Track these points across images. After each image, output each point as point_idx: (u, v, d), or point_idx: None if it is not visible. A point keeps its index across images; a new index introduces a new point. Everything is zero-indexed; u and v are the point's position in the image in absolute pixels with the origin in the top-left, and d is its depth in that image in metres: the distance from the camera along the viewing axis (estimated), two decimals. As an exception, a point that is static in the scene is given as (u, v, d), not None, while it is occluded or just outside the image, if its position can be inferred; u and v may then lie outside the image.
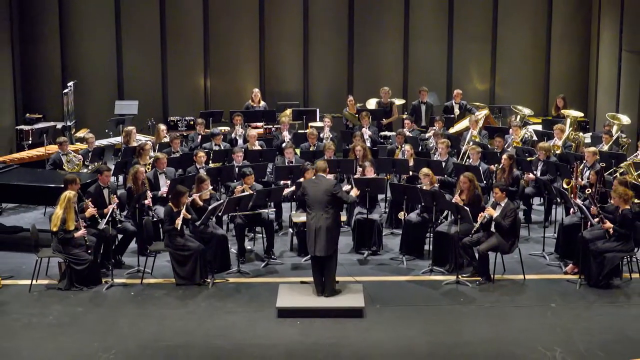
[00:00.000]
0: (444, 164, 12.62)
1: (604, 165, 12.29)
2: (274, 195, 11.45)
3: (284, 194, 11.69)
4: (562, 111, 15.77)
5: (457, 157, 13.52)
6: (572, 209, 11.25)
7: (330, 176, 11.78)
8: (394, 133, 15.19)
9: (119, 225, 10.93)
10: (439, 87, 18.20)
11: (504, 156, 12.31)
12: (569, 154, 13.20)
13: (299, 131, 15.23)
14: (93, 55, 18.35)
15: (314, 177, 9.93)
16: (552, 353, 8.38)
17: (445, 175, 12.38)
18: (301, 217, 11.02)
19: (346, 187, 11.51)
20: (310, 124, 15.88)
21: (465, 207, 10.41)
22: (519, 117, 15.52)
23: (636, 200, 10.59)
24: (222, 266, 10.67)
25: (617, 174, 12.32)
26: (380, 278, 10.57)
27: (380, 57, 18.56)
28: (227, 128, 15.70)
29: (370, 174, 11.74)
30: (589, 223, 10.43)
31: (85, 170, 13.08)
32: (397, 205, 12.05)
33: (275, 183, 12.26)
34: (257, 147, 13.60)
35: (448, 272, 10.62)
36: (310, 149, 13.62)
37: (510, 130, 14.38)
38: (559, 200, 12.06)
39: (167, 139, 13.94)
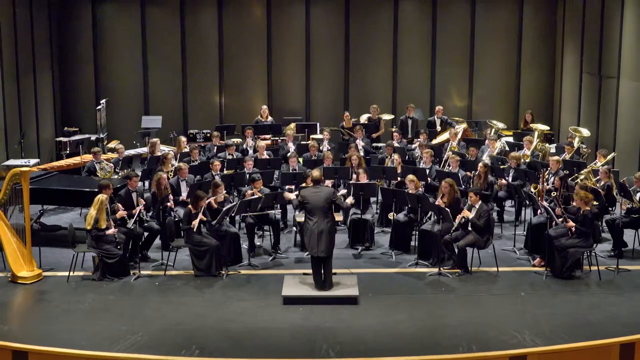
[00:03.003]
0: (427, 171, 12.65)
1: (567, 172, 12.35)
2: (280, 198, 11.49)
3: (290, 199, 11.70)
4: (531, 125, 15.79)
5: (439, 165, 13.54)
6: (539, 210, 11.28)
7: (328, 182, 11.84)
8: (383, 144, 15.22)
9: (145, 224, 10.97)
10: (424, 104, 18.21)
11: (480, 164, 12.34)
12: (537, 162, 13.22)
13: (302, 142, 15.25)
14: (122, 76, 18.38)
15: (314, 186, 9.76)
16: (522, 335, 8.40)
17: (429, 181, 12.40)
18: (304, 217, 11.04)
19: (343, 191, 11.55)
20: (311, 137, 15.91)
21: (446, 209, 10.44)
22: (493, 130, 15.54)
23: (595, 203, 10.62)
24: (235, 260, 10.70)
25: (578, 179, 12.34)
26: (372, 270, 10.60)
27: (372, 78, 18.58)
28: (239, 140, 15.72)
29: (364, 179, 11.77)
30: (554, 222, 10.46)
31: (115, 177, 13.10)
32: (387, 207, 12.08)
33: (281, 187, 12.28)
34: (266, 156, 13.63)
35: (431, 265, 10.65)
36: (312, 158, 13.64)
37: (487, 142, 14.41)
38: (527, 202, 12.10)
39: (187, 149, 13.96)
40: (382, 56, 18.50)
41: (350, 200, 10.57)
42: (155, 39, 18.30)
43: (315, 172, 9.90)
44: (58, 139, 16.77)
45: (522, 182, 12.36)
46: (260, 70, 18.52)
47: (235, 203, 10.82)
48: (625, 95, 14.86)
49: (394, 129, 15.96)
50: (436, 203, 10.67)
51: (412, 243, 11.27)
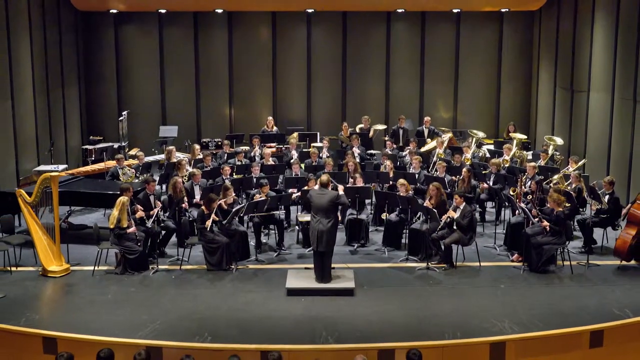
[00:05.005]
0: (417, 175, 12.67)
1: (542, 177, 12.37)
2: (284, 200, 11.50)
3: (292, 198, 11.74)
4: (510, 134, 15.83)
5: (427, 170, 13.56)
6: (517, 211, 11.29)
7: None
8: (377, 151, 15.24)
9: (163, 224, 10.98)
10: (413, 115, 18.25)
11: (464, 170, 12.37)
12: (515, 168, 13.24)
13: (304, 150, 15.28)
14: (142, 90, 18.43)
15: (320, 189, 9.70)
16: (502, 323, 8.41)
17: (418, 184, 12.42)
18: (305, 217, 11.05)
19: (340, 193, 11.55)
20: (312, 145, 15.93)
21: (434, 210, 10.46)
22: (475, 139, 15.56)
23: (567, 204, 10.65)
24: (243, 255, 10.69)
25: (552, 183, 12.36)
26: (367, 265, 10.60)
27: (367, 92, 18.62)
28: (247, 147, 15.74)
29: (360, 183, 11.79)
30: (530, 222, 10.48)
31: (136, 181, 13.12)
32: (380, 208, 12.09)
33: (285, 191, 12.30)
34: (271, 163, 13.64)
35: (420, 260, 10.64)
36: (312, 164, 13.67)
37: (463, 149, 14.46)
38: (506, 204, 12.14)
39: (200, 156, 13.98)
40: (376, 72, 18.55)
41: (340, 188, 10.30)
42: (172, 57, 18.35)
43: (324, 177, 9.83)
44: (84, 147, 16.80)
45: (502, 185, 12.38)
46: (266, 85, 18.57)
47: (243, 204, 10.84)
48: (595, 108, 14.89)
49: (386, 138, 16.00)
50: (425, 204, 10.68)
51: (403, 240, 11.28)
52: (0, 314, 8.62)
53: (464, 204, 10.44)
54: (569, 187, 11.89)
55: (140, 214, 10.49)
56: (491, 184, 12.57)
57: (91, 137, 17.56)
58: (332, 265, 9.78)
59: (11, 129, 13.99)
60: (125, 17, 18.14)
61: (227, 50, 18.39)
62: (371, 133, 16.24)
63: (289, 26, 18.42)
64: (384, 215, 11.45)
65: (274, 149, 15.60)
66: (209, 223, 10.21)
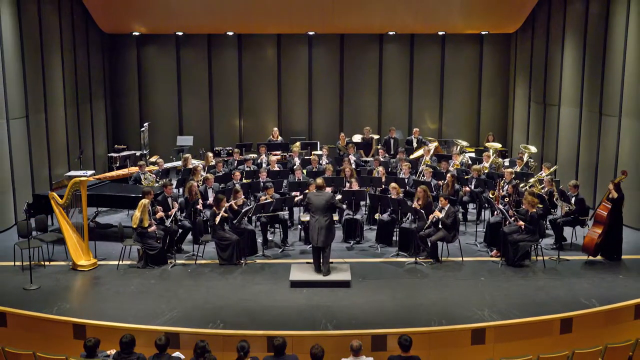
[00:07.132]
0: (406, 180, 12.69)
1: (518, 181, 12.38)
2: (288, 202, 11.52)
3: (295, 201, 11.75)
4: (487, 144, 15.84)
5: (415, 175, 13.58)
6: (495, 212, 11.31)
7: (328, 189, 11.86)
8: (371, 158, 15.25)
9: (180, 223, 11.00)
10: (403, 126, 18.27)
11: (448, 175, 12.38)
12: (494, 173, 13.25)
13: (305, 157, 15.28)
14: (161, 104, 18.44)
15: (317, 191, 9.80)
16: (482, 312, 8.44)
17: (408, 188, 12.43)
18: (307, 217, 11.06)
19: (338, 196, 11.57)
20: (313, 152, 15.94)
21: (421, 210, 10.48)
22: (458, 147, 15.57)
23: (540, 206, 10.66)
24: (252, 251, 10.72)
25: (527, 187, 12.38)
26: (361, 260, 10.62)
27: (362, 105, 18.62)
28: (255, 155, 15.76)
29: (355, 187, 11.81)
30: (507, 221, 10.50)
31: (156, 185, 13.12)
32: (374, 209, 12.10)
33: (289, 194, 12.31)
34: (276, 169, 13.66)
35: (409, 255, 10.67)
36: (313, 170, 13.68)
37: (452, 157, 14.46)
38: (486, 205, 12.14)
39: (213, 163, 13.99)
40: (370, 88, 18.56)
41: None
42: (188, 74, 18.37)
43: (319, 180, 9.94)
44: (110, 155, 16.82)
45: (482, 189, 12.40)
46: (272, 99, 18.58)
47: (251, 206, 10.86)
48: (565, 119, 14.92)
49: (379, 147, 16.01)
50: (413, 206, 10.71)
51: (394, 238, 11.31)
52: (35, 303, 8.65)
53: (448, 205, 10.47)
54: (542, 191, 11.92)
55: (160, 214, 10.51)
56: (472, 187, 12.58)
57: (116, 145, 17.57)
58: (331, 260, 9.80)
59: (45, 138, 14.01)
60: (146, 39, 18.17)
61: (237, 69, 18.41)
62: (373, 146, 16.20)
63: (292, 47, 18.45)
64: (377, 216, 11.47)
65: (278, 157, 15.62)
66: (218, 219, 10.21)
